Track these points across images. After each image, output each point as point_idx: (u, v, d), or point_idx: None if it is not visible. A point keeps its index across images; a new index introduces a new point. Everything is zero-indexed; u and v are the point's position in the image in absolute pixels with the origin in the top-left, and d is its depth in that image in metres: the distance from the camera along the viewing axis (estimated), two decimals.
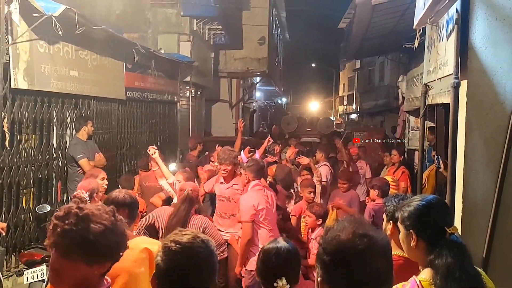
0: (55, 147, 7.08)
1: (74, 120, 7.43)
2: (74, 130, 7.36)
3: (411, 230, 2.34)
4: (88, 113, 7.79)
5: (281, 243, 2.97)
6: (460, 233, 3.57)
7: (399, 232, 2.46)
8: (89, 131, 7.22)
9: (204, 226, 4.65)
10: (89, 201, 4.68)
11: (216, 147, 7.54)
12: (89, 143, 7.24)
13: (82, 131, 7.15)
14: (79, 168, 6.86)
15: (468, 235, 3.63)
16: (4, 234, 5.33)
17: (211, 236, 4.55)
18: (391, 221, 2.94)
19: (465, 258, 2.18)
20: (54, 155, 7.06)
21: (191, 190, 4.70)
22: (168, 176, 5.79)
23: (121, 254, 2.03)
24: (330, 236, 1.73)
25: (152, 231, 4.64)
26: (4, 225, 5.17)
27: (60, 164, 7.16)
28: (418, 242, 2.31)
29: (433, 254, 2.21)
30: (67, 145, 7.24)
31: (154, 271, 2.06)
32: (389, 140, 15.80)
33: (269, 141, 7.95)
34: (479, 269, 2.28)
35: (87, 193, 4.64)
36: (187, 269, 2.03)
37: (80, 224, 1.91)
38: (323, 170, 8.40)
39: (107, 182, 5.53)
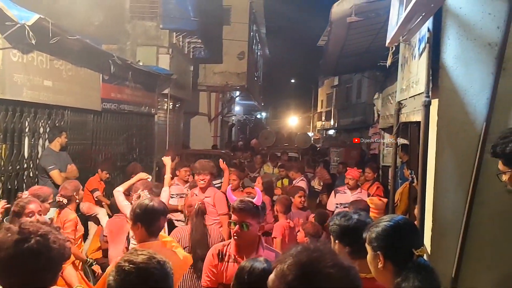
0: (26, 157, 6.93)
1: (48, 130, 7.31)
2: (47, 141, 7.24)
3: (378, 252, 2.29)
4: (62, 123, 7.66)
5: (258, 262, 2.91)
6: (429, 252, 3.59)
7: (345, 251, 2.41)
8: (62, 142, 7.10)
9: (222, 237, 4.80)
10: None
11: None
12: (61, 154, 7.12)
13: (55, 142, 7.04)
14: (50, 179, 6.74)
15: (437, 254, 3.63)
16: None
17: None
18: (336, 241, 2.87)
19: (432, 282, 2.15)
20: (25, 166, 6.92)
21: (200, 203, 4.84)
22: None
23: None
24: (292, 262, 1.54)
25: None
26: None
27: (31, 175, 7.02)
28: (385, 264, 2.26)
29: (400, 277, 2.17)
30: (39, 156, 7.11)
31: None
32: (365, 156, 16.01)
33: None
34: None
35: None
36: None
37: None
38: (302, 185, 8.39)
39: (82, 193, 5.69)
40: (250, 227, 3.36)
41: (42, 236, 2.04)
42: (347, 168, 8.09)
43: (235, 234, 3.42)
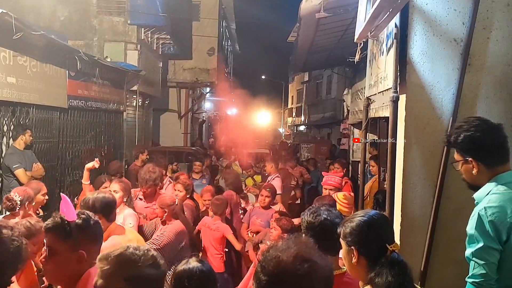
0: None
1: (12, 128, 7.12)
2: (11, 139, 7.05)
3: (352, 247, 2.28)
4: (26, 121, 7.47)
5: (193, 263, 2.82)
6: (398, 246, 3.62)
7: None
8: (26, 140, 6.93)
9: None
10: (20, 207, 4.62)
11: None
12: (26, 152, 6.94)
13: (19, 140, 6.86)
14: (15, 179, 6.58)
15: (406, 248, 3.66)
16: None
17: None
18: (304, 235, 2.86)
19: (405, 277, 2.15)
20: None
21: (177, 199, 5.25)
22: None
23: None
24: (271, 255, 1.65)
25: None
26: None
27: None
28: (359, 259, 2.26)
29: (374, 271, 2.17)
30: (3, 155, 6.92)
31: None
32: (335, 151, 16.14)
33: None
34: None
35: (20, 197, 4.63)
36: None
37: None
38: (276, 183, 8.32)
39: (47, 197, 5.54)
40: (55, 255, 2.35)
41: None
42: (322, 173, 7.33)
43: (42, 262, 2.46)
